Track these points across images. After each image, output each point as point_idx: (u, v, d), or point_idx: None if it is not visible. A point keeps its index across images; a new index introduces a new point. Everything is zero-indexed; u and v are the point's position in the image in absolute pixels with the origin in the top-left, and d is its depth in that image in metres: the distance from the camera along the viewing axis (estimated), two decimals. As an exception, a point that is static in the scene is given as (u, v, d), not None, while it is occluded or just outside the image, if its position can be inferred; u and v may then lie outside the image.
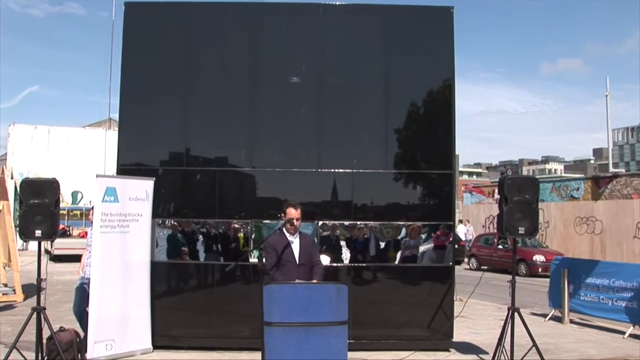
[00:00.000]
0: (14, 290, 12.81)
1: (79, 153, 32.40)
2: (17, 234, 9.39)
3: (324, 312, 5.73)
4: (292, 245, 6.52)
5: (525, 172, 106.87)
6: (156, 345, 8.41)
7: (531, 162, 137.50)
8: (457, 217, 31.41)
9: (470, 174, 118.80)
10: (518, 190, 7.52)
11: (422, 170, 8.93)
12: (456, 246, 20.06)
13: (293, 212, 6.54)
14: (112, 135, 30.58)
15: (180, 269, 8.80)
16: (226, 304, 8.54)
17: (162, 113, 8.88)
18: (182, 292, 8.80)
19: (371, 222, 8.78)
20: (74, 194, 32.62)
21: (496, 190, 26.42)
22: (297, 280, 6.26)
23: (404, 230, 8.81)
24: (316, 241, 8.37)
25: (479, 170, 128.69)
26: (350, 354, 6.10)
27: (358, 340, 8.23)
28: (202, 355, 8.26)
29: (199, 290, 8.72)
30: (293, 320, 5.70)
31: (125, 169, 8.71)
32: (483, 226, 32.58)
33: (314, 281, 6.36)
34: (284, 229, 6.61)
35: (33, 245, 10.08)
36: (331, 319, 5.75)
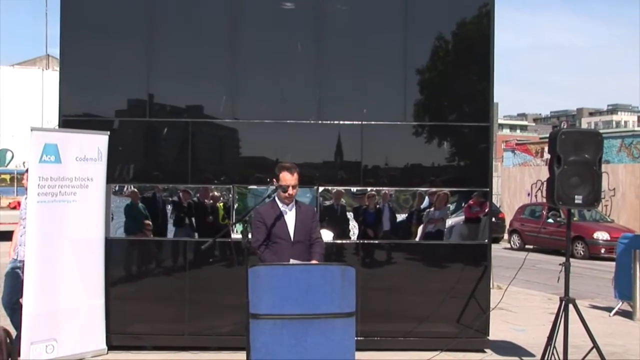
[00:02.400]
0: None
1: (7, 100, 32.29)
2: None
3: (325, 302, 5.82)
4: (286, 218, 6.60)
5: (585, 125, 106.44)
6: (112, 346, 8.57)
7: (593, 112, 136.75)
8: (496, 182, 31.48)
9: (513, 127, 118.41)
10: (575, 148, 7.50)
11: (450, 122, 8.99)
12: (494, 219, 20.20)
13: (288, 178, 6.59)
14: (51, 77, 30.42)
15: (143, 248, 8.93)
16: (201, 292, 8.69)
17: (118, 47, 8.88)
18: (145, 277, 8.93)
19: (385, 189, 8.88)
20: (2, 153, 32.65)
21: (546, 149, 26.47)
22: (291, 261, 6.36)
23: (427, 199, 8.91)
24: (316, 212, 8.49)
25: (524, 122, 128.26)
26: (359, 355, 6.20)
27: (368, 337, 8.42)
28: (170, 356, 8.42)
29: (167, 275, 8.86)
30: (286, 311, 5.78)
31: (70, 120, 8.74)
32: (528, 194, 32.72)
33: (314, 262, 6.46)
34: (276, 198, 6.70)
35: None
36: (335, 309, 5.84)
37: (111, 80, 8.89)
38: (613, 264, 13.14)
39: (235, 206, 8.75)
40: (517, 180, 34.22)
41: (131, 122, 8.92)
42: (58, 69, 9.25)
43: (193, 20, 8.87)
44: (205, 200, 8.83)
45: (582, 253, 23.16)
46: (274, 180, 6.75)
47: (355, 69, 8.88)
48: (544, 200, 11.21)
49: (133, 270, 8.99)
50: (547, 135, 8.86)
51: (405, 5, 8.88)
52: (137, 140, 9.03)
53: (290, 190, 6.59)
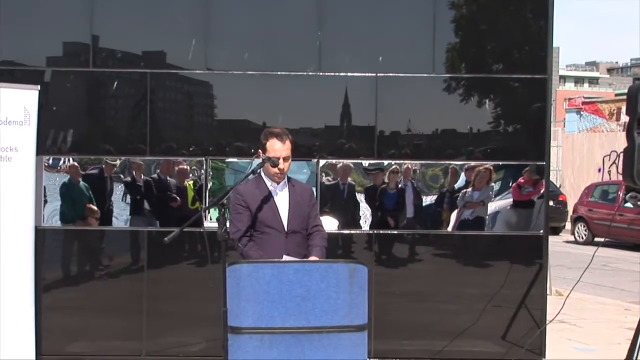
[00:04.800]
0: None
1: None
2: None
3: (328, 311, 5.85)
4: (277, 200, 6.58)
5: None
6: (46, 369, 8.67)
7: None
8: (555, 153, 31.37)
9: (579, 80, 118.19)
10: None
11: (494, 74, 9.06)
12: (551, 203, 20.16)
13: (278, 148, 6.53)
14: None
15: (86, 241, 9.00)
16: (165, 299, 8.78)
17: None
18: (89, 279, 8.99)
19: (408, 162, 8.93)
20: None
21: (623, 108, 26.45)
22: (284, 257, 6.37)
23: (463, 176, 8.98)
24: (316, 193, 8.56)
25: (595, 73, 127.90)
26: (372, 379, 6.32)
27: (384, 357, 8.49)
28: (124, 383, 8.56)
29: (119, 276, 8.94)
30: (277, 323, 5.80)
31: (-12, 70, 8.80)
32: (599, 170, 32.68)
33: (313, 258, 6.49)
34: (262, 174, 6.69)
35: None
36: (341, 321, 5.87)
37: (42, 16, 8.90)
38: None
39: (209, 185, 8.81)
40: (583, 151, 34.19)
41: (69, 73, 8.97)
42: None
43: None
44: (169, 178, 8.88)
45: (671, 249, 23.21)
46: (260, 151, 6.64)
47: (369, 3, 8.92)
48: (620, 177, 11.20)
49: (73, 271, 9.05)
50: (625, 90, 8.84)
51: None
52: (78, 98, 9.06)
53: (281, 164, 6.49)
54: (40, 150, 8.65)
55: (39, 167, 8.65)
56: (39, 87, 8.54)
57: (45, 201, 8.82)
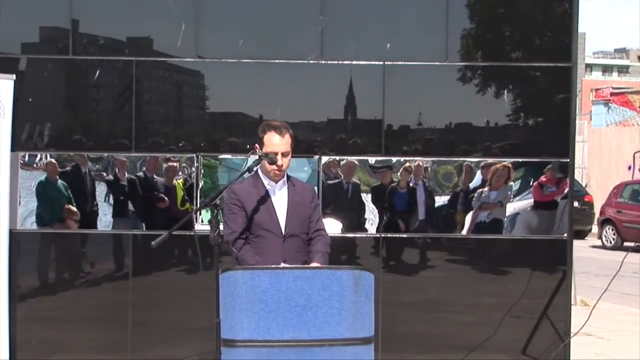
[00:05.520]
0: None
1: None
2: None
3: (331, 322, 5.86)
4: (274, 200, 6.58)
5: None
6: (21, 387, 8.69)
7: None
8: (580, 149, 31.32)
9: (607, 68, 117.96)
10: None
11: (513, 62, 9.05)
12: (576, 203, 20.12)
13: (276, 142, 6.51)
14: None
15: (65, 245, 9.02)
16: (151, 309, 8.79)
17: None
18: (68, 287, 9.01)
19: (419, 159, 8.93)
20: None
21: (655, 100, 26.42)
22: (282, 264, 6.38)
23: (479, 174, 8.98)
24: (317, 193, 8.58)
25: (624, 62, 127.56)
26: (380, 397, 6.32)
27: (393, 373, 8.53)
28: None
29: (100, 284, 8.95)
30: (274, 336, 5.81)
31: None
32: (629, 167, 32.65)
33: (315, 264, 6.49)
34: (259, 171, 6.67)
35: None
36: (345, 333, 5.89)
37: (17, -1, 8.94)
38: None
39: (201, 184, 8.81)
40: (611, 147, 34.16)
41: (47, 61, 8.96)
42: None
43: None
44: (157, 176, 8.88)
45: None
46: (256, 146, 6.58)
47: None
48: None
49: (51, 278, 9.06)
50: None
51: None
52: (56, 88, 9.09)
53: (280, 161, 6.46)
54: (16, 145, 8.62)
55: (14, 164, 8.62)
56: (14, 76, 8.52)
57: (20, 201, 8.79)
